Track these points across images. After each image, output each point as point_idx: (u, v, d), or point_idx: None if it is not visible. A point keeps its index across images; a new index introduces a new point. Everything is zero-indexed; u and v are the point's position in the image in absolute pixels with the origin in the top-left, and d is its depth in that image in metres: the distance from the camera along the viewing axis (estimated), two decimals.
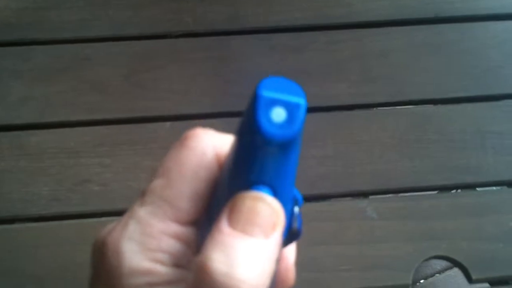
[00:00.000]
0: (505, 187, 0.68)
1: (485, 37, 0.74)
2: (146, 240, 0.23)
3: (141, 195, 0.25)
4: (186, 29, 0.74)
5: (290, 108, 0.22)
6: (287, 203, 0.25)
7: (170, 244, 0.23)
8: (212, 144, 0.25)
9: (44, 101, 0.69)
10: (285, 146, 0.22)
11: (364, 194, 0.66)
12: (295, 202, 0.27)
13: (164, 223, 0.24)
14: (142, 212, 0.24)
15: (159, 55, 0.72)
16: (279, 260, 0.28)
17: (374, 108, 0.71)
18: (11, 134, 0.68)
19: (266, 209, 0.23)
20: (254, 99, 0.22)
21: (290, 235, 0.27)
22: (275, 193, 0.24)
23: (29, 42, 0.73)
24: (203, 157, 0.25)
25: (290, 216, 0.26)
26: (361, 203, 0.65)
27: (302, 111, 0.22)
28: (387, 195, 0.66)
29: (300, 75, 0.71)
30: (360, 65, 0.72)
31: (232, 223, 0.22)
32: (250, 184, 0.23)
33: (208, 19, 0.74)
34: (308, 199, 0.64)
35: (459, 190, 0.67)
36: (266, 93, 0.22)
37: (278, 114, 0.22)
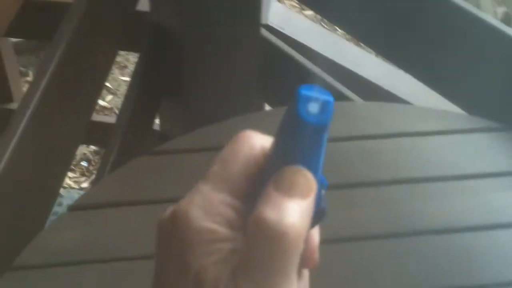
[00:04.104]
0: None
1: None
2: (208, 207, 0.30)
3: (203, 177, 0.31)
4: None
5: (322, 103, 0.29)
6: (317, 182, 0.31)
7: (226, 211, 0.30)
8: (258, 140, 0.32)
9: None
10: (317, 131, 0.29)
11: None
12: (322, 186, 0.33)
13: (222, 196, 0.30)
14: (205, 187, 0.30)
15: None
16: (306, 241, 0.34)
17: None
18: None
19: (303, 178, 0.29)
20: (296, 97, 0.29)
21: (317, 214, 0.32)
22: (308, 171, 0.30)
23: None
24: (252, 148, 0.31)
25: (318, 197, 0.32)
26: None
27: (331, 105, 0.29)
28: None
29: None
30: None
31: (277, 188, 0.29)
32: (290, 163, 0.30)
33: None
34: None
35: None
36: (305, 92, 0.29)
37: (313, 107, 0.29)
